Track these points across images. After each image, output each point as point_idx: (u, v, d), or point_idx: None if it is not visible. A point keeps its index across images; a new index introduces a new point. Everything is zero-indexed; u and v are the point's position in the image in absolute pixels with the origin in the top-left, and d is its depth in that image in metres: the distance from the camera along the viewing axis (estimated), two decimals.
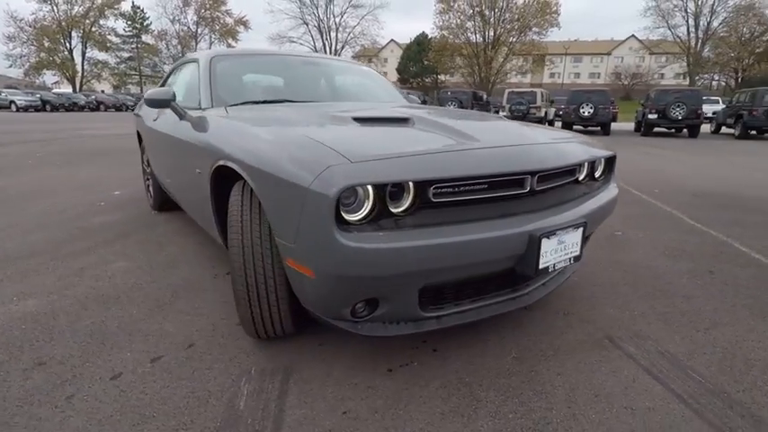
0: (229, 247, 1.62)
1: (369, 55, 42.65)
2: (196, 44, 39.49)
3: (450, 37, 34.48)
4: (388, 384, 1.56)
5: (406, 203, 1.36)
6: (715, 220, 3.80)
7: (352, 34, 38.21)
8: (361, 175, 1.24)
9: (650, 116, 14.08)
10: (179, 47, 38.70)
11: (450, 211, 1.40)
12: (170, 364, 1.68)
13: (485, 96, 20.77)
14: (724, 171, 6.95)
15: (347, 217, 1.29)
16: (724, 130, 16.33)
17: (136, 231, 3.37)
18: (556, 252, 1.53)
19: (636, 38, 62.66)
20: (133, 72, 44.11)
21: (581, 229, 1.61)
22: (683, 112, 13.52)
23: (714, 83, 33.47)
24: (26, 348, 1.77)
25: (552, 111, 17.91)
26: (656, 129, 14.96)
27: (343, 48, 39.30)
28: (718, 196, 4.89)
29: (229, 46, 40.38)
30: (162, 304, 2.17)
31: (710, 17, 31.20)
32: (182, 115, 2.43)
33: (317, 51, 38.74)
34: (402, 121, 1.76)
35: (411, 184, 1.32)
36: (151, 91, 2.44)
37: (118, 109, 32.54)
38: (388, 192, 1.32)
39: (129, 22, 44.56)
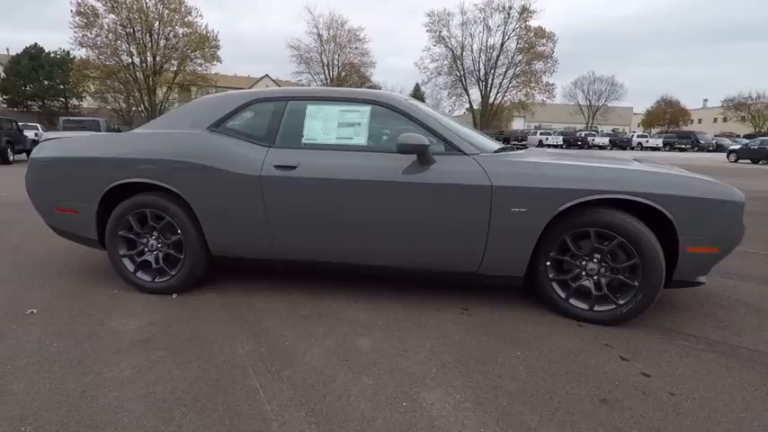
0: (647, 263, 2.26)
1: None
2: None
3: (102, 57, 29.33)
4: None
5: None
6: None
7: None
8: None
9: None
10: None
11: None
12: (621, 400, 2.11)
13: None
14: None
15: None
16: None
17: (259, 324, 2.49)
18: None
19: (269, 77, 72.34)
20: None
21: None
22: None
23: None
24: None
25: None
26: None
27: None
28: None
29: None
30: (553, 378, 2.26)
31: (338, 69, 40.77)
32: (431, 161, 2.43)
33: None
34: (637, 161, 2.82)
35: None
36: (405, 137, 2.32)
37: None
38: None
39: None
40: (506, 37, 37.77)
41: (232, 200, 2.59)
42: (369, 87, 48.60)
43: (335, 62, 40.49)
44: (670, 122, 55.13)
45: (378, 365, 2.00)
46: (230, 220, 2.62)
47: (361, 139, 2.59)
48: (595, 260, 2.41)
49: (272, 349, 2.14)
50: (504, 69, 38.87)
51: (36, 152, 2.91)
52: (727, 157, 21.82)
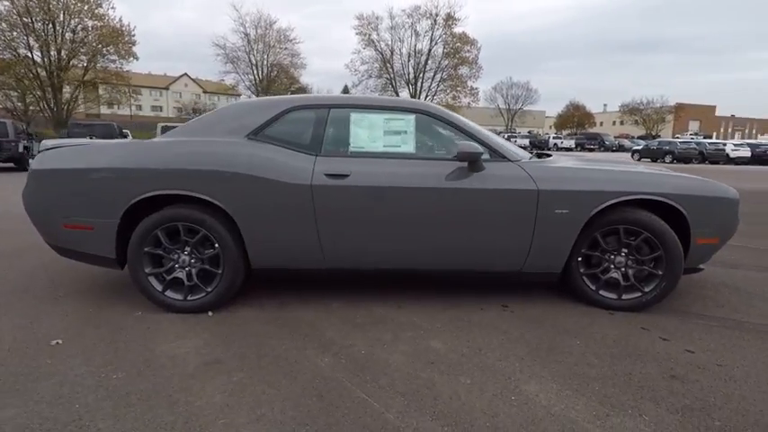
0: (670, 255, 2.58)
1: None
2: None
3: None
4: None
5: None
6: None
7: None
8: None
9: None
10: None
11: None
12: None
13: None
14: None
15: None
16: None
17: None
18: None
19: (188, 76, 68.10)
20: None
21: None
22: None
23: None
24: None
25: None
26: None
27: None
28: None
29: None
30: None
31: (267, 70, 39.52)
32: (482, 168, 2.56)
33: None
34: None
35: None
36: (464, 145, 2.45)
37: None
38: None
39: None
40: (434, 42, 39.26)
41: (280, 210, 2.51)
42: (297, 89, 47.71)
43: (265, 62, 39.20)
44: (578, 125, 60.79)
45: (464, 365, 2.09)
46: (277, 231, 2.54)
47: (409, 147, 2.65)
48: (623, 254, 2.70)
49: (351, 359, 2.13)
50: (432, 73, 40.35)
51: (38, 163, 2.58)
52: (632, 156, 24.63)
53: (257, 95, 39.04)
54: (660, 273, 2.64)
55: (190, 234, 2.57)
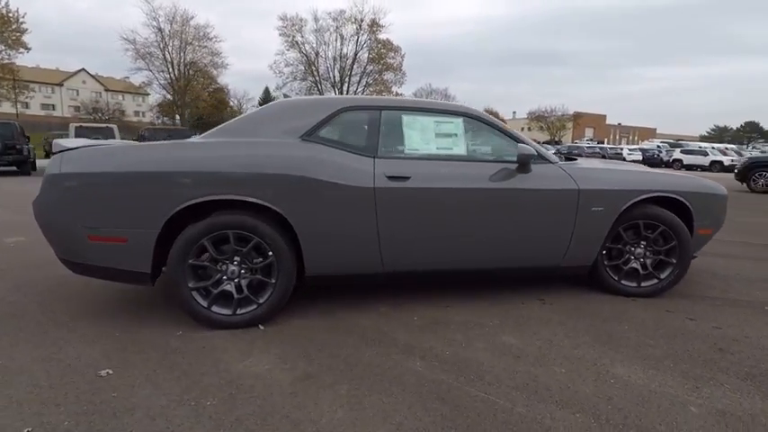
0: (683, 245, 2.91)
1: None
2: None
3: None
4: None
5: None
6: None
7: None
8: None
9: None
10: None
11: None
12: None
13: None
14: None
15: None
16: None
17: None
18: None
19: (87, 72, 61.23)
20: None
21: None
22: None
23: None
24: None
25: None
26: None
27: None
28: None
29: None
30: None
31: (184, 68, 36.74)
32: (531, 170, 2.71)
33: None
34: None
35: None
36: (523, 147, 2.59)
37: None
38: None
39: None
40: (359, 47, 39.60)
41: (342, 214, 2.43)
42: (216, 89, 45.02)
43: (182, 60, 36.59)
44: None
45: (548, 356, 2.19)
46: (337, 236, 2.45)
47: (460, 149, 2.71)
48: (642, 246, 3.00)
49: (442, 360, 2.14)
50: (358, 78, 40.66)
51: (57, 166, 2.21)
52: None
53: (173, 95, 36.40)
54: (674, 261, 2.99)
55: (240, 243, 2.38)
